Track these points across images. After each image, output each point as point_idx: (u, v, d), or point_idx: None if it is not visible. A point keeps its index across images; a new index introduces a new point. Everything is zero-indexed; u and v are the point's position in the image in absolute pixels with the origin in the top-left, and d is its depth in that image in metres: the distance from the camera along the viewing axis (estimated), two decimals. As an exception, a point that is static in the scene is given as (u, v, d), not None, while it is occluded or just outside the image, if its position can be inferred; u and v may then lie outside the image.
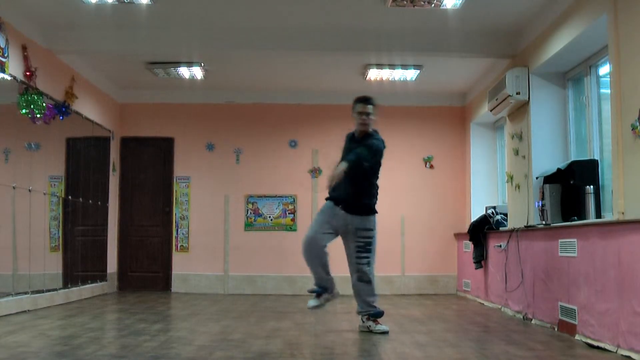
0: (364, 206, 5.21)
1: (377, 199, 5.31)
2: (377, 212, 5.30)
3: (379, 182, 5.35)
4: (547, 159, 6.39)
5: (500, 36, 6.87)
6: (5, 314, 5.91)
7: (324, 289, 5.24)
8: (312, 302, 5.23)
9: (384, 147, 5.24)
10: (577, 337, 4.78)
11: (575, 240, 4.93)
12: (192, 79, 8.49)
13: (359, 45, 7.01)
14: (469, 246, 8.10)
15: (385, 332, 5.07)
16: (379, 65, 7.81)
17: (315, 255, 5.16)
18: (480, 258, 7.57)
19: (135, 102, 9.34)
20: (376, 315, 5.22)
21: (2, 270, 6.29)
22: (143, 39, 6.99)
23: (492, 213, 7.53)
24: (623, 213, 4.48)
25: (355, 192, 5.16)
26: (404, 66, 7.85)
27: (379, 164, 5.25)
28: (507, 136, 7.39)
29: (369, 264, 5.17)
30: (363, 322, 5.25)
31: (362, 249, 5.16)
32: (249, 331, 5.12)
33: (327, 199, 5.33)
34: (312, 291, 5.27)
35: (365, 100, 5.15)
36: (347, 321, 5.89)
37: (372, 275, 5.22)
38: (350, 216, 5.17)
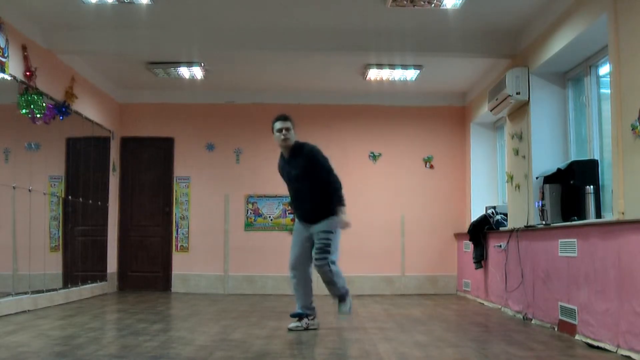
0: (321, 214, 5.29)
1: (339, 193, 5.32)
2: (340, 208, 5.29)
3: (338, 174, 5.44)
4: (547, 159, 6.39)
5: (500, 36, 6.87)
6: (5, 314, 5.91)
7: (306, 314, 5.31)
8: (293, 324, 5.28)
9: (320, 151, 5.36)
10: (577, 337, 4.78)
11: (575, 240, 4.93)
12: (192, 79, 8.49)
13: (359, 45, 7.01)
14: (469, 246, 8.10)
15: (344, 313, 5.47)
16: (379, 65, 7.81)
17: (301, 280, 5.35)
18: (480, 258, 7.57)
19: (135, 102, 9.34)
20: (340, 298, 5.44)
21: (2, 270, 6.29)
22: (143, 39, 6.99)
23: (492, 213, 7.53)
24: (623, 213, 4.48)
25: (314, 206, 5.31)
26: (404, 66, 7.85)
27: (317, 172, 5.30)
28: (507, 136, 7.39)
29: (327, 264, 5.23)
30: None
31: (319, 250, 5.25)
32: (249, 331, 5.12)
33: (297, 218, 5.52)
34: (294, 315, 5.34)
35: (282, 117, 5.38)
36: (347, 321, 5.90)
37: (334, 272, 5.27)
38: (314, 225, 5.31)
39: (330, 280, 5.30)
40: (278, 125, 5.34)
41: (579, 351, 4.33)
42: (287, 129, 5.31)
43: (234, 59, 7.82)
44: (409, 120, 9.36)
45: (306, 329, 5.24)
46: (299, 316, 5.29)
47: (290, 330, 5.20)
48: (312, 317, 5.33)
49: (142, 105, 9.37)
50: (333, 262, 5.27)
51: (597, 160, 5.61)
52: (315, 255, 5.28)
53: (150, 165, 9.33)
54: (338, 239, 5.33)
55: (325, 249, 5.23)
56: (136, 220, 9.26)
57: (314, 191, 5.28)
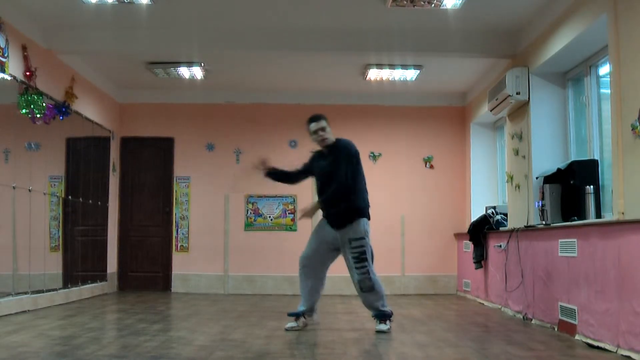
0: (347, 214, 5.16)
1: (365, 203, 5.25)
2: (365, 216, 5.20)
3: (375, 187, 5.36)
4: (547, 159, 6.39)
5: (500, 36, 6.87)
6: (5, 314, 5.91)
7: (303, 312, 5.24)
8: (290, 324, 5.23)
9: (353, 146, 5.25)
10: (577, 337, 4.78)
11: (575, 240, 4.93)
12: (192, 79, 8.49)
13: (359, 45, 7.01)
14: (469, 246, 8.10)
15: (381, 331, 5.10)
16: (379, 65, 7.81)
17: (310, 277, 5.24)
18: (480, 258, 7.57)
19: (135, 102, 9.34)
20: (379, 316, 5.23)
21: (2, 270, 6.30)
22: (143, 39, 6.99)
23: (492, 213, 7.53)
24: (623, 213, 4.48)
25: (340, 206, 5.16)
26: (404, 66, 7.85)
27: (357, 166, 5.22)
28: (507, 136, 7.39)
29: (368, 272, 5.11)
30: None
31: (357, 259, 5.12)
32: (249, 331, 5.12)
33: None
34: (292, 314, 5.28)
35: (316, 118, 5.30)
36: (347, 321, 5.90)
37: (374, 280, 5.15)
38: (339, 231, 5.18)
39: (369, 288, 5.12)
40: (313, 127, 5.25)
41: (579, 351, 4.33)
42: (323, 129, 5.23)
43: (234, 59, 7.82)
44: (409, 120, 9.36)
45: (304, 326, 5.22)
46: (296, 316, 5.25)
47: (287, 330, 5.18)
48: (309, 316, 5.28)
49: (142, 105, 9.37)
50: (373, 277, 5.12)
51: (597, 160, 5.61)
52: (355, 266, 5.12)
53: (150, 165, 9.33)
54: (370, 243, 5.19)
55: (362, 257, 5.10)
56: (136, 220, 9.26)
57: (339, 189, 5.13)
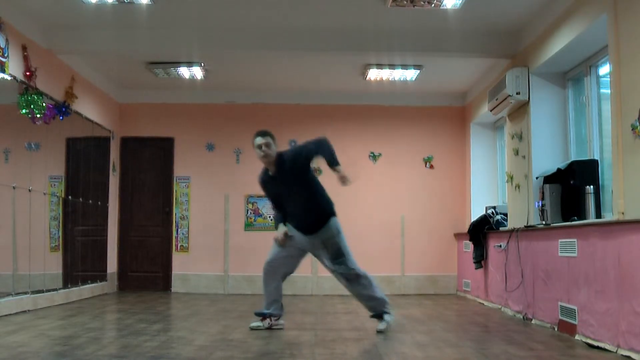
0: (318, 219, 5.18)
1: (329, 202, 5.26)
2: (333, 214, 5.21)
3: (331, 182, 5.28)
4: (547, 159, 6.39)
5: (500, 36, 6.87)
6: (5, 314, 5.91)
7: (269, 314, 5.24)
8: (255, 324, 5.24)
9: (299, 154, 5.22)
10: (577, 337, 4.78)
11: (575, 240, 4.93)
12: (192, 79, 8.49)
13: (359, 45, 7.01)
14: (469, 246, 8.10)
15: (381, 331, 5.09)
16: (379, 65, 7.81)
17: (272, 281, 5.27)
18: (480, 258, 7.57)
19: (135, 102, 9.34)
20: (377, 315, 5.23)
21: (2, 270, 6.30)
22: (143, 39, 6.99)
23: (492, 213, 7.53)
24: (623, 213, 4.48)
25: (314, 212, 5.19)
26: (404, 66, 7.85)
27: (307, 168, 5.20)
28: (507, 136, 7.39)
29: (346, 265, 5.11)
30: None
31: (335, 256, 5.14)
32: (249, 331, 5.12)
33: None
34: (258, 313, 5.27)
35: (262, 133, 5.22)
36: (347, 321, 5.90)
37: (358, 270, 5.13)
38: (311, 236, 5.19)
39: (355, 276, 5.11)
40: (258, 141, 5.15)
41: (579, 351, 4.33)
42: (267, 145, 5.12)
43: (234, 59, 7.82)
44: (409, 120, 9.36)
45: (269, 328, 5.21)
46: (263, 316, 5.24)
47: (251, 329, 5.18)
48: (276, 318, 5.27)
49: (142, 105, 9.37)
50: (355, 266, 5.11)
51: (597, 160, 5.61)
52: (333, 263, 5.14)
53: (150, 165, 9.33)
54: (345, 239, 5.19)
55: (340, 253, 5.11)
56: (136, 220, 9.26)
57: (310, 195, 5.19)
